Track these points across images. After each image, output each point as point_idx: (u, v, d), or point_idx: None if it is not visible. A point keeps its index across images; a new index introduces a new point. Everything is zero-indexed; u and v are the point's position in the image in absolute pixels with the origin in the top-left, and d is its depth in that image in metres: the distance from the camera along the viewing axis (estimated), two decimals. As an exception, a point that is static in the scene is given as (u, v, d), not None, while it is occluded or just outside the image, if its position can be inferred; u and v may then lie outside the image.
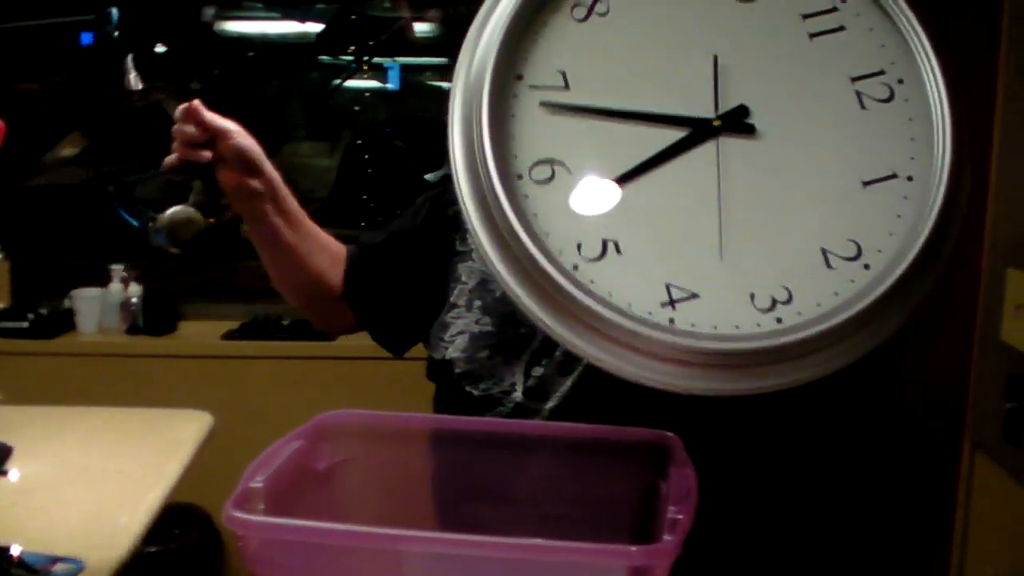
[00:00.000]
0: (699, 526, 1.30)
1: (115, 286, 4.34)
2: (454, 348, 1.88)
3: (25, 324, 4.25)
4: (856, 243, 1.36)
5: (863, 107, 1.42)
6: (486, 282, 1.99)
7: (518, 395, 1.80)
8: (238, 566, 4.27)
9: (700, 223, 1.38)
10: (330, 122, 5.40)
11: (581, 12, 1.47)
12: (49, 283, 4.46)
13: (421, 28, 5.28)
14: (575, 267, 1.36)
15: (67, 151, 4.93)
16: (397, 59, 5.32)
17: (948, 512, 2.52)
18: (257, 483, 1.29)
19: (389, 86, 5.46)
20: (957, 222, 1.37)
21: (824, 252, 1.36)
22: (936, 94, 1.39)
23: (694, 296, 1.35)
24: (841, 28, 1.45)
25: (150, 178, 1.95)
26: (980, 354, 2.36)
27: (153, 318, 4.32)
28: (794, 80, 1.45)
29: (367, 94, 5.58)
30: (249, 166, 1.92)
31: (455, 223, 2.07)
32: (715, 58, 1.45)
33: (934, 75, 1.39)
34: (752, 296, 1.35)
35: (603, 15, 1.47)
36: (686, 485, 1.33)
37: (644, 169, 1.40)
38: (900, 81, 1.42)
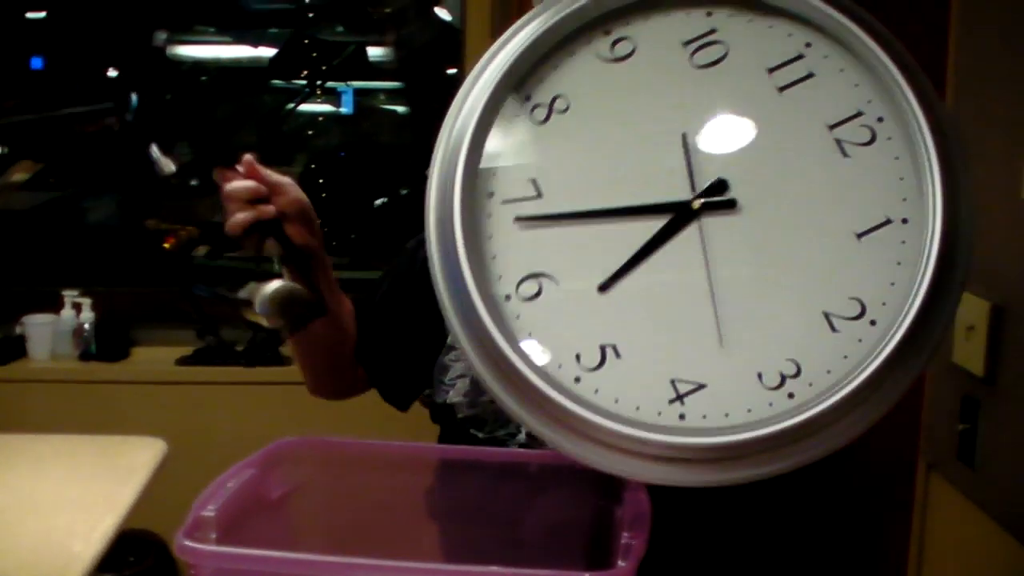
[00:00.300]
0: (652, 551, 1.31)
1: (67, 312, 4.32)
2: (455, 392, 1.86)
3: (-25, 351, 4.23)
4: (859, 300, 1.31)
5: (845, 155, 1.35)
6: None
7: (522, 437, 1.78)
8: (193, 593, 4.24)
9: (695, 310, 1.33)
10: (284, 147, 5.40)
11: (541, 113, 1.43)
12: (-1, 309, 4.44)
13: (375, 52, 5.29)
14: (577, 379, 1.33)
15: (18, 176, 4.91)
16: (351, 83, 5.32)
17: (903, 533, 2.53)
18: (209, 512, 1.29)
19: (343, 110, 5.46)
20: (963, 255, 1.30)
21: (827, 316, 1.31)
22: (917, 125, 1.31)
23: (701, 387, 1.31)
24: (810, 75, 1.38)
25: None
26: (932, 376, 2.37)
27: (106, 344, 4.30)
28: (769, 141, 1.38)
29: (320, 118, 5.58)
30: (308, 221, 1.86)
31: None
32: (683, 136, 1.39)
33: (911, 105, 1.31)
34: (760, 376, 1.30)
35: (564, 112, 1.43)
36: (639, 510, 1.33)
37: (629, 267, 1.36)
38: (880, 119, 1.35)
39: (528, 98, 1.44)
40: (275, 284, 1.52)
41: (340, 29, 5.44)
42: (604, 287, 1.35)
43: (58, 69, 5.16)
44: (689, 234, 1.36)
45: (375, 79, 5.48)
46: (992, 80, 2.19)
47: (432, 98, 5.12)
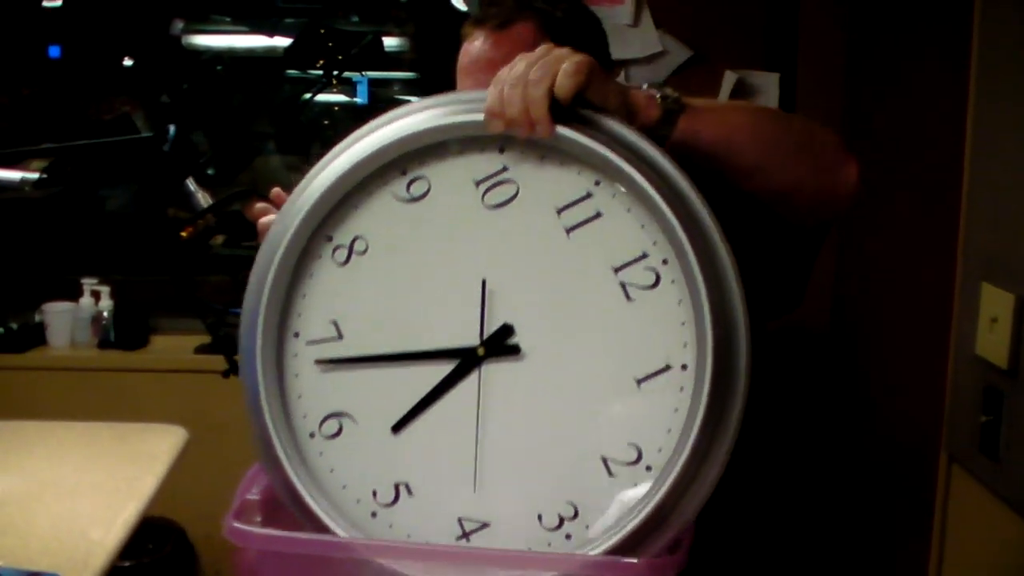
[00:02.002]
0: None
1: (86, 300, 4.32)
2: None
3: (-5, 338, 4.24)
4: (636, 446, 1.31)
5: (629, 298, 1.34)
6: None
7: None
8: (211, 580, 4.26)
9: (480, 453, 1.36)
10: (300, 136, 5.39)
11: (342, 255, 1.43)
12: (19, 297, 4.44)
13: (390, 43, 5.28)
14: (374, 514, 1.38)
15: (35, 164, 4.90)
16: (366, 73, 5.31)
17: (925, 525, 2.53)
18: (254, 495, 1.29)
19: (358, 100, 5.45)
20: (736, 405, 1.29)
21: (605, 460, 1.32)
22: (692, 271, 1.29)
23: (485, 525, 1.35)
24: (598, 215, 1.36)
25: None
26: (955, 367, 2.37)
27: (125, 332, 4.30)
28: (557, 285, 1.37)
29: (336, 108, 5.58)
30: None
31: None
32: (482, 281, 1.39)
33: (687, 251, 1.29)
34: (540, 517, 1.33)
35: (362, 253, 1.43)
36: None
37: (418, 410, 1.38)
38: (664, 262, 1.33)
39: (330, 239, 1.44)
40: None
41: (356, 19, 5.43)
42: (397, 428, 1.38)
43: (76, 58, 5.17)
44: (474, 379, 1.38)
45: (390, 69, 5.47)
46: (1013, 76, 2.19)
47: (446, 89, 5.11)
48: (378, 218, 1.42)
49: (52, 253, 4.74)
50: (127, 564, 3.71)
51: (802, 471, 2.09)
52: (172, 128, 1.80)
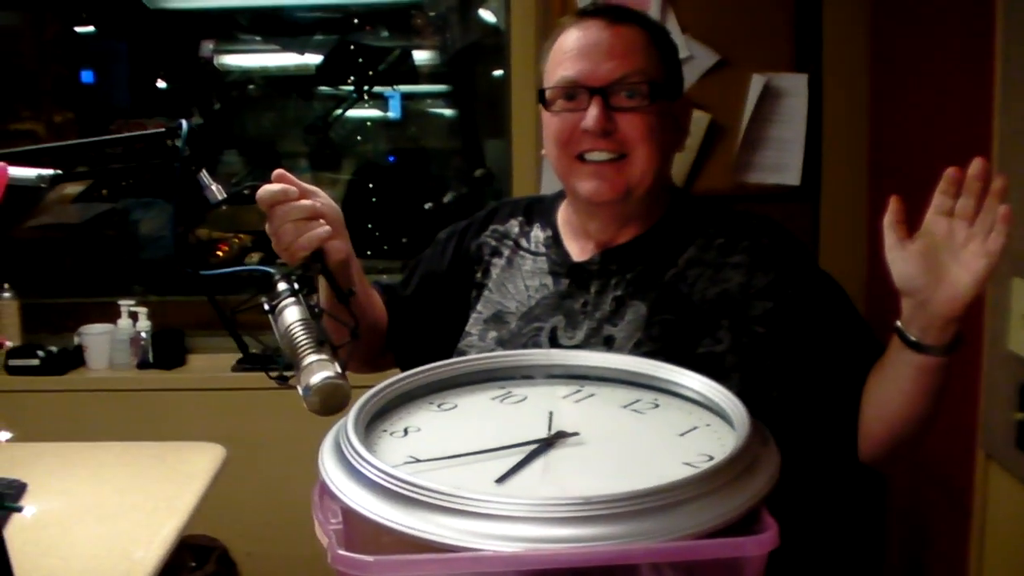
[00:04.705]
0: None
1: (124, 322, 4.35)
2: None
3: (35, 362, 4.25)
4: (707, 454, 1.42)
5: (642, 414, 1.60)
6: (501, 314, 2.00)
7: None
8: (253, 597, 4.28)
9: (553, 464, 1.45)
10: (332, 153, 5.42)
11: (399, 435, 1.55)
12: (58, 320, 4.48)
13: (420, 56, 5.30)
14: None
15: (70, 189, 4.95)
16: (397, 88, 5.33)
17: (963, 523, 2.52)
18: (336, 524, 1.28)
19: (390, 115, 5.47)
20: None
21: (687, 464, 1.40)
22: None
23: None
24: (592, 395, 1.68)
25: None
26: (989, 364, 2.36)
27: (162, 352, 4.33)
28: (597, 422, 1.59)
29: (368, 124, 5.59)
30: (343, 228, 1.89)
31: (478, 255, 2.09)
32: (550, 413, 1.57)
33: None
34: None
35: (418, 431, 1.57)
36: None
37: (519, 468, 1.41)
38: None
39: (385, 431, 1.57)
40: (321, 375, 1.53)
41: (385, 34, 5.45)
42: (501, 480, 1.38)
43: (109, 83, 5.21)
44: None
45: (421, 83, 5.49)
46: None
47: (478, 100, 5.12)
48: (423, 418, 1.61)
49: (89, 276, 4.78)
50: (171, 583, 3.73)
51: (837, 467, 2.08)
52: (184, 123, 1.80)
